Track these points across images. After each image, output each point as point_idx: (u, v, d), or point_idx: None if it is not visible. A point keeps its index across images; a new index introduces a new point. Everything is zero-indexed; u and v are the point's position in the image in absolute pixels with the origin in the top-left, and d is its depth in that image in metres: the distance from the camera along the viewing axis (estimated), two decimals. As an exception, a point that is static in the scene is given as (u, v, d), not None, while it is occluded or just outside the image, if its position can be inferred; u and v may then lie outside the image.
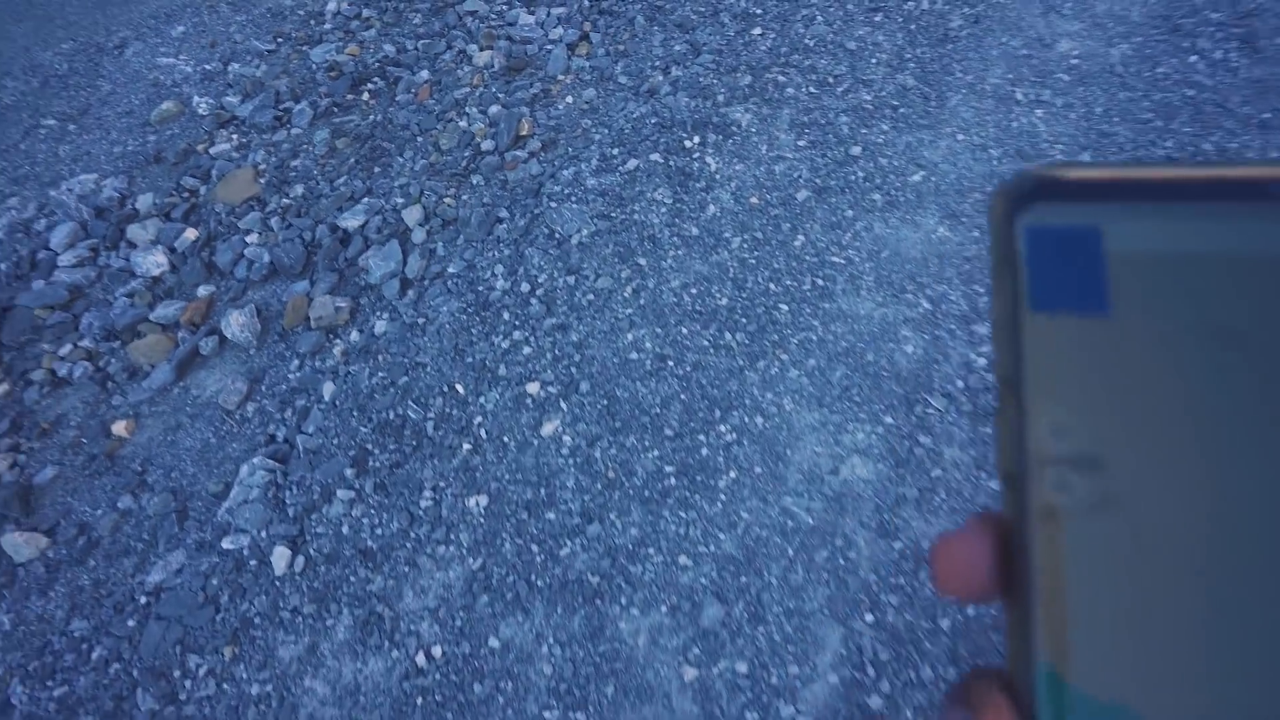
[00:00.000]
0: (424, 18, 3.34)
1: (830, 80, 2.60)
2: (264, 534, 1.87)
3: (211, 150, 2.91)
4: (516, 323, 2.11)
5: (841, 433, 1.77)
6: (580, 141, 2.60)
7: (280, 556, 1.80)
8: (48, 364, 2.43)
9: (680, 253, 2.14)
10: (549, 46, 3.09)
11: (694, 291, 2.05)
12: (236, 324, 2.36)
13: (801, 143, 2.39)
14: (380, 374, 2.14)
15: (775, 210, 2.20)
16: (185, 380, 2.34)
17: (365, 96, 3.04)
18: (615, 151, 2.50)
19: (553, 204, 2.38)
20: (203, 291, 2.52)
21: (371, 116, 2.93)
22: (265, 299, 2.46)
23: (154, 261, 2.59)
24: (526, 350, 2.04)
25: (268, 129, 2.98)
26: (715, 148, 2.42)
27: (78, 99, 3.35)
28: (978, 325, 1.89)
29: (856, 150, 2.33)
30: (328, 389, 2.17)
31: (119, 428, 2.27)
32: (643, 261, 2.14)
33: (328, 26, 3.37)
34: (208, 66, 3.33)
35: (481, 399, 1.99)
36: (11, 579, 2.02)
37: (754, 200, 2.24)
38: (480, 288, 2.23)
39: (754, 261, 2.08)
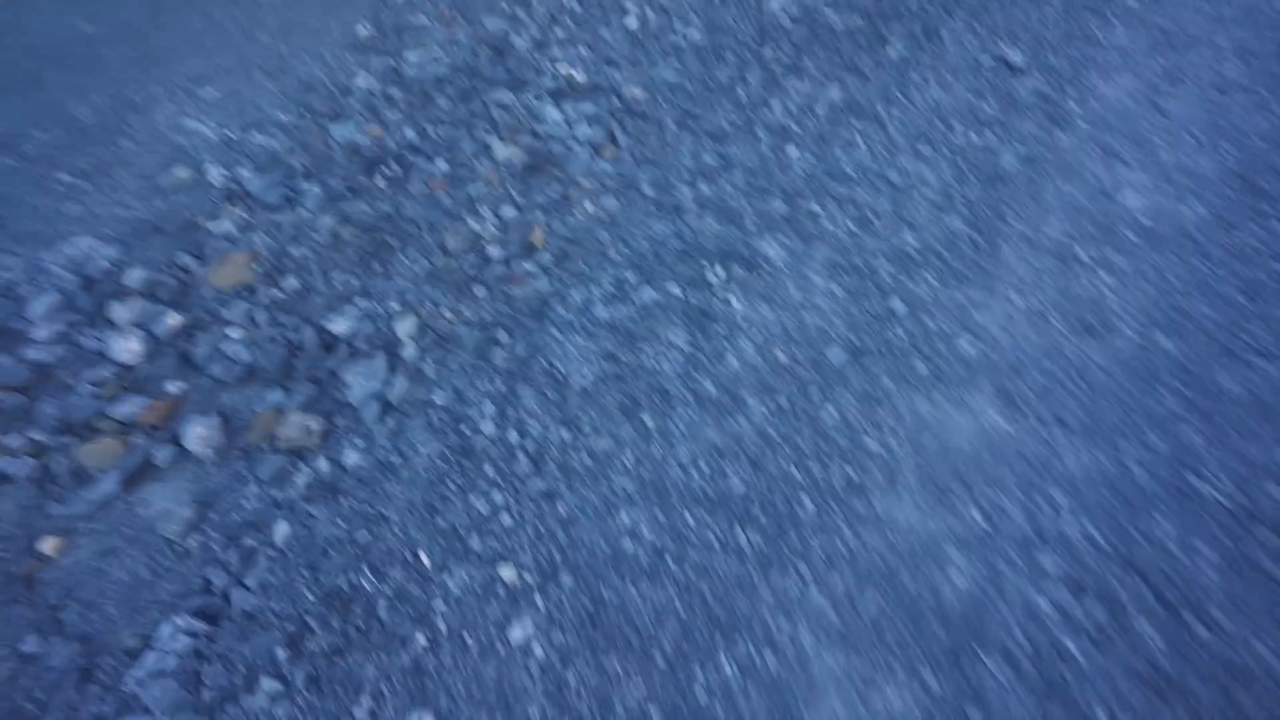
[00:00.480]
0: (451, 103, 3.00)
1: (871, 217, 2.20)
2: (167, 728, 1.45)
3: (213, 226, 2.56)
4: (499, 481, 1.69)
5: (870, 688, 1.32)
6: (595, 259, 2.22)
7: (177, 771, 1.38)
8: (-8, 457, 2.04)
9: (692, 415, 1.73)
10: (573, 145, 2.73)
11: (704, 468, 1.63)
12: (197, 435, 1.97)
13: (837, 289, 1.98)
14: (340, 523, 1.73)
15: (804, 371, 1.79)
16: (132, 494, 1.94)
17: (380, 182, 2.69)
18: (631, 276, 2.11)
19: (557, 334, 1.98)
20: (172, 388, 2.13)
21: (382, 205, 2.57)
22: (236, 405, 2.07)
23: (128, 348, 2.21)
24: (506, 519, 1.63)
25: (275, 208, 2.63)
26: (741, 285, 2.02)
27: (97, 155, 3.03)
28: (1042, 553, 1.45)
29: (898, 305, 1.92)
30: (280, 531, 1.76)
31: (48, 545, 1.87)
32: (649, 421, 1.73)
33: (354, 103, 3.05)
34: (230, 134, 3.00)
35: (447, 577, 1.57)
36: (-110, 728, 1.61)
37: (780, 356, 1.83)
38: (465, 428, 1.82)
39: (776, 436, 1.66)
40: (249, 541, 1.77)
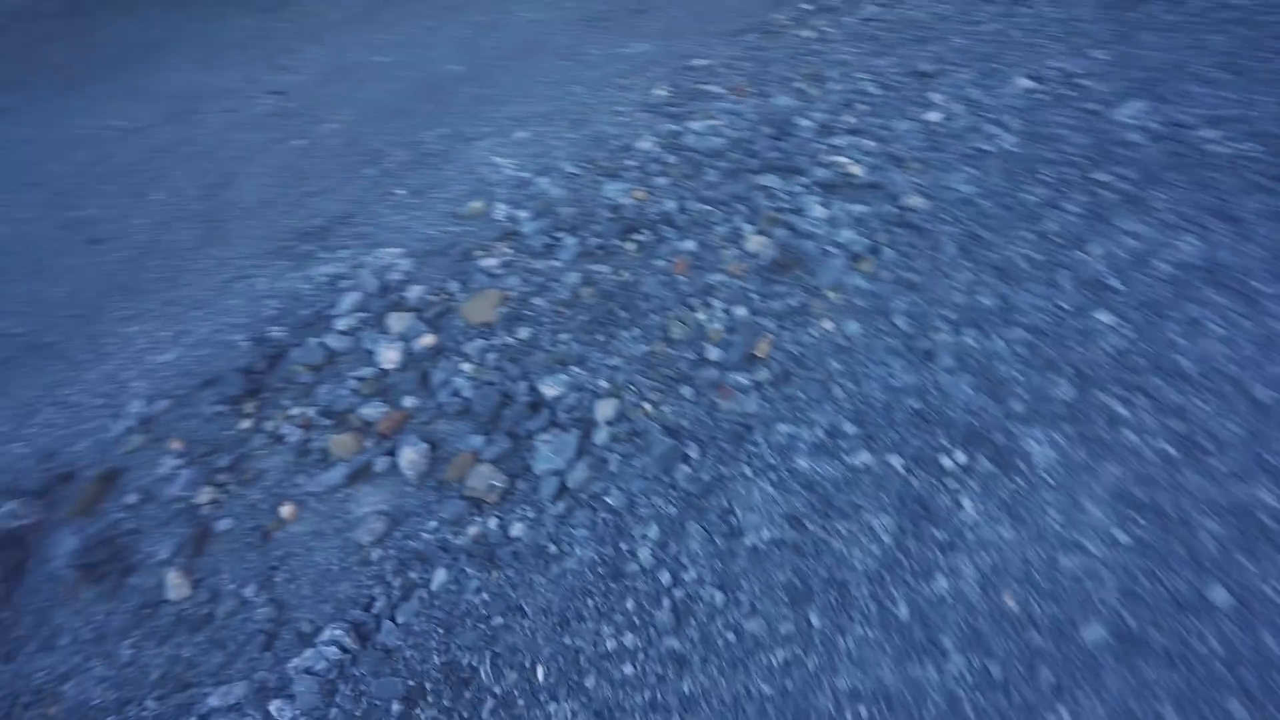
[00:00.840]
0: (720, 177, 3.01)
1: (1205, 442, 1.63)
2: (300, 732, 1.63)
3: (482, 261, 2.91)
4: (636, 621, 1.60)
5: None
6: (816, 391, 2.00)
7: (289, 783, 1.54)
8: (279, 418, 2.56)
9: (871, 635, 1.43)
10: (830, 249, 2.53)
11: (863, 714, 1.33)
12: (407, 458, 2.22)
13: (1123, 535, 1.49)
14: (484, 596, 1.79)
15: (1038, 638, 1.37)
16: (351, 489, 2.26)
17: (630, 247, 2.80)
18: (849, 428, 1.85)
19: (747, 470, 1.82)
20: (406, 403, 2.46)
21: (624, 273, 2.66)
22: (446, 436, 2.30)
23: (389, 356, 2.62)
24: (628, 668, 1.52)
25: (535, 254, 2.90)
26: (983, 485, 1.64)
27: (426, 178, 3.67)
28: None
29: (1219, 595, 1.37)
30: (439, 577, 1.89)
31: (286, 510, 2.26)
32: (816, 621, 1.48)
33: (630, 163, 3.23)
34: (523, 175, 3.40)
35: (553, 706, 1.52)
36: (151, 615, 2.08)
37: (1010, 602, 1.43)
38: (623, 545, 1.76)
39: (972, 714, 1.29)
40: (413, 575, 1.93)
